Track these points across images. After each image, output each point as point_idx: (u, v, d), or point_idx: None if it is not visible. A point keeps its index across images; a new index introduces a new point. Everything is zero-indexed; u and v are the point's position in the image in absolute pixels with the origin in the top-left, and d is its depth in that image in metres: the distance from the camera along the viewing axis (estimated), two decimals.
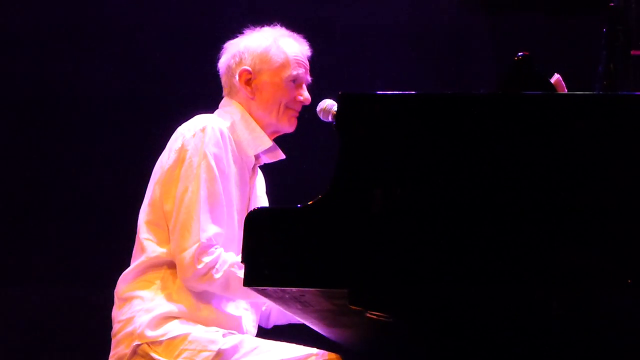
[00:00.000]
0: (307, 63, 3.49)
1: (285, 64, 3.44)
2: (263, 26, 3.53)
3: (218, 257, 3.22)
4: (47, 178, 4.88)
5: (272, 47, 3.44)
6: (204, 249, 3.21)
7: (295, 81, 3.45)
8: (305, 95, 3.46)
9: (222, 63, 3.52)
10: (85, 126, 4.89)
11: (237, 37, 3.53)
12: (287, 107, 3.45)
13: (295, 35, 3.52)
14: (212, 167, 3.28)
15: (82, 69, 4.90)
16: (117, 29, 4.92)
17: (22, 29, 4.91)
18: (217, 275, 3.22)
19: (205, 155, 3.28)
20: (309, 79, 3.50)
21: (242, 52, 3.46)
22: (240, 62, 3.46)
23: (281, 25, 3.52)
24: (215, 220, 3.25)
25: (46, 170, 4.89)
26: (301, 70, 3.45)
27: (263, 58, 3.44)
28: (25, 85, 4.90)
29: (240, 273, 3.13)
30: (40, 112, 4.92)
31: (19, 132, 4.91)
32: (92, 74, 4.90)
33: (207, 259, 3.21)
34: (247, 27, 3.54)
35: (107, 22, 4.93)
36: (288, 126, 3.48)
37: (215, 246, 3.23)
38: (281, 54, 3.44)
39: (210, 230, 3.23)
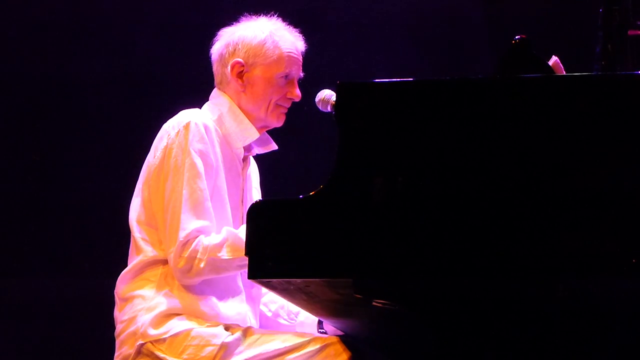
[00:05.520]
0: (301, 58, 3.46)
1: (279, 60, 3.41)
2: (260, 15, 3.49)
3: (198, 247, 3.20)
4: (47, 175, 4.90)
5: (267, 41, 3.41)
6: (183, 245, 3.21)
7: (287, 77, 3.42)
8: (296, 92, 3.43)
9: (215, 51, 3.48)
10: (84, 123, 4.90)
11: (233, 24, 3.49)
12: (277, 105, 3.43)
13: (291, 29, 3.48)
14: (195, 164, 3.26)
15: (79, 64, 4.90)
16: (112, 25, 4.92)
17: (18, 26, 4.91)
18: (202, 265, 3.20)
19: (189, 153, 3.26)
20: (302, 74, 3.47)
21: (237, 43, 3.42)
22: (233, 53, 3.43)
23: (278, 17, 3.49)
24: (198, 217, 3.23)
25: (47, 167, 4.90)
26: (294, 67, 3.43)
27: (257, 52, 3.40)
28: (26, 81, 4.91)
29: (223, 253, 3.16)
30: (40, 109, 4.94)
31: (21, 130, 4.92)
32: (89, 69, 4.90)
33: (186, 254, 3.20)
34: (244, 15, 3.51)
35: (101, 18, 4.93)
36: (276, 122, 3.46)
37: (195, 238, 3.22)
38: (276, 49, 3.41)
39: (190, 226, 3.21)
